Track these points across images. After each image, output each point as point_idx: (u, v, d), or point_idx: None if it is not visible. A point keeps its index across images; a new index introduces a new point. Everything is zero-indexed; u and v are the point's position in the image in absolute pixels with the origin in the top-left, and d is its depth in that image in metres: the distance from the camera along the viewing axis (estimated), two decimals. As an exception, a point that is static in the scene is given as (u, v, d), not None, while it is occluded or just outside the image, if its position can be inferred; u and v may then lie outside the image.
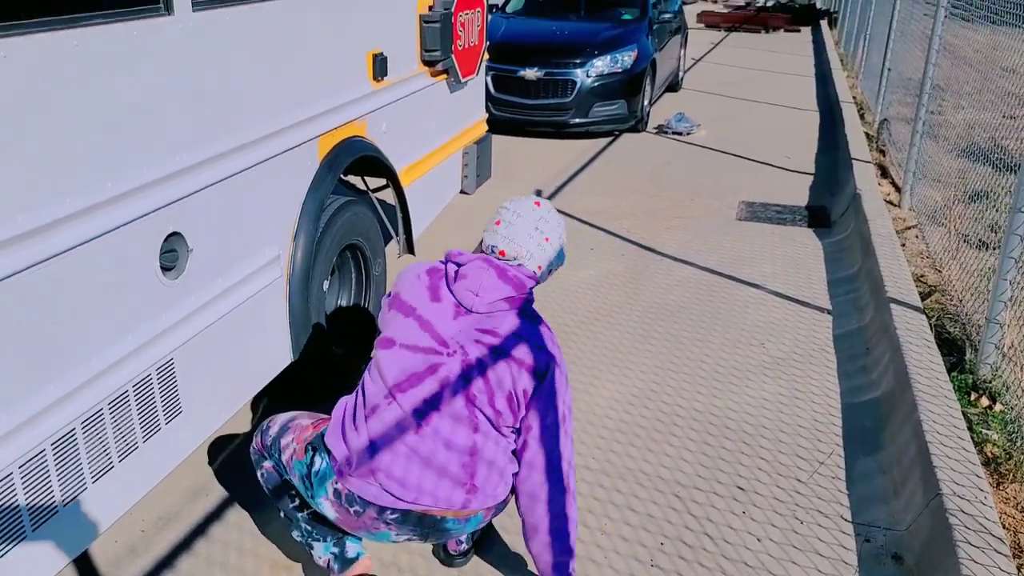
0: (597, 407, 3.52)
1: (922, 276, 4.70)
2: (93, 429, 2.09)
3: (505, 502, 2.23)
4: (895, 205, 6.13)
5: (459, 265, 2.15)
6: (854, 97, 10.38)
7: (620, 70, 8.38)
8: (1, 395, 1.84)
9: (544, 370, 2.08)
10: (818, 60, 15.06)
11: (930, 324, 3.90)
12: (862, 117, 9.13)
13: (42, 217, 1.87)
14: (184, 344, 2.40)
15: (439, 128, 4.22)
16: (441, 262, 2.21)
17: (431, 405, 2.08)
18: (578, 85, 8.25)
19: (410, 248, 3.92)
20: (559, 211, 6.07)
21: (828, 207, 6.38)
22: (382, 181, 3.81)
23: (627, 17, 9.40)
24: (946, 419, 3.07)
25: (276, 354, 2.96)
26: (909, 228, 5.61)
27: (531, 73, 8.24)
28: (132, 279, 2.19)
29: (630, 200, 6.52)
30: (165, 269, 2.32)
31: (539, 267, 2.19)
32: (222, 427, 2.70)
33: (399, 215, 3.82)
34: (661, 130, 8.97)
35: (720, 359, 3.96)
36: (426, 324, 2.11)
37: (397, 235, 3.90)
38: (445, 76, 4.18)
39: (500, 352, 2.07)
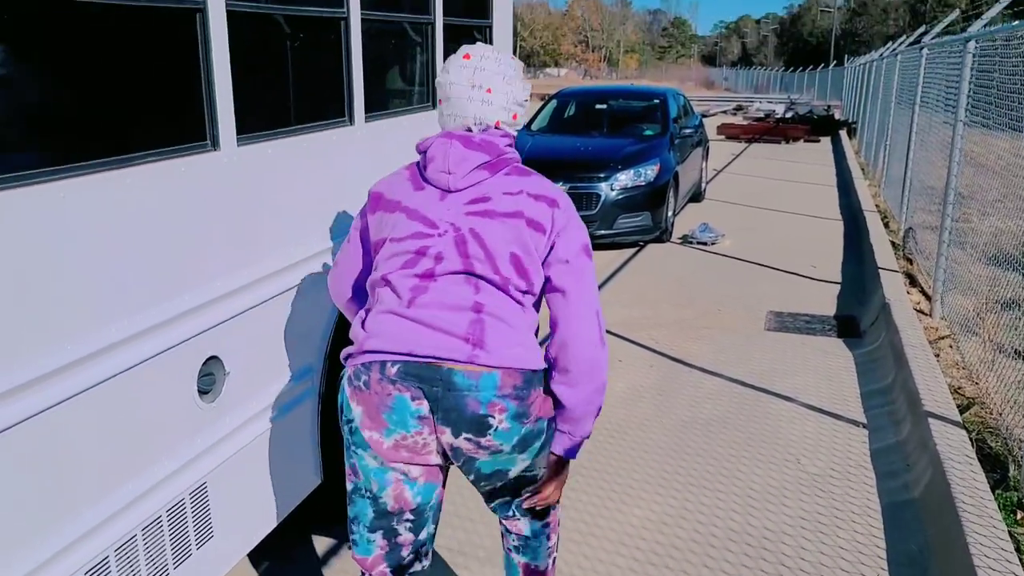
0: (630, 527, 3.45)
1: (959, 388, 4.63)
2: (126, 556, 2.09)
3: (534, 374, 1.97)
4: (926, 314, 6.09)
5: (424, 152, 2.06)
6: (877, 205, 10.49)
7: (643, 183, 8.57)
8: (38, 525, 1.85)
9: (546, 217, 1.98)
10: (839, 169, 15.30)
11: (971, 439, 3.81)
12: (887, 225, 9.20)
13: (88, 346, 1.93)
14: (218, 467, 2.41)
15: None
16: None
17: (425, 278, 1.97)
18: (603, 198, 8.43)
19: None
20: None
21: (857, 317, 6.36)
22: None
23: (649, 133, 9.68)
24: (993, 540, 2.96)
25: (306, 476, 2.96)
26: (942, 338, 5.56)
27: (557, 187, 8.42)
28: (170, 404, 2.22)
29: (657, 311, 6.55)
30: (202, 392, 2.36)
31: (497, 123, 2.06)
32: (252, 551, 2.67)
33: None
34: (686, 240, 9.08)
35: (754, 476, 3.88)
36: (413, 212, 2.02)
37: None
38: (475, 196, 4.31)
39: (494, 216, 1.97)
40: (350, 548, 2.17)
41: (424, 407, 1.92)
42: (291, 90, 2.84)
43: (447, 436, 1.95)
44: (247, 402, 2.57)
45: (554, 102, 10.88)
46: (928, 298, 6.38)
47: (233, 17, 2.35)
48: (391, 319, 1.95)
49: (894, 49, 13.38)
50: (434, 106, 3.86)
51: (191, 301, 2.25)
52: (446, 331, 1.92)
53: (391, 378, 1.92)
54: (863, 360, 5.40)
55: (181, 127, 2.27)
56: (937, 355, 5.08)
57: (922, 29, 11.35)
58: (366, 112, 3.19)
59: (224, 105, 2.34)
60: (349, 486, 2.10)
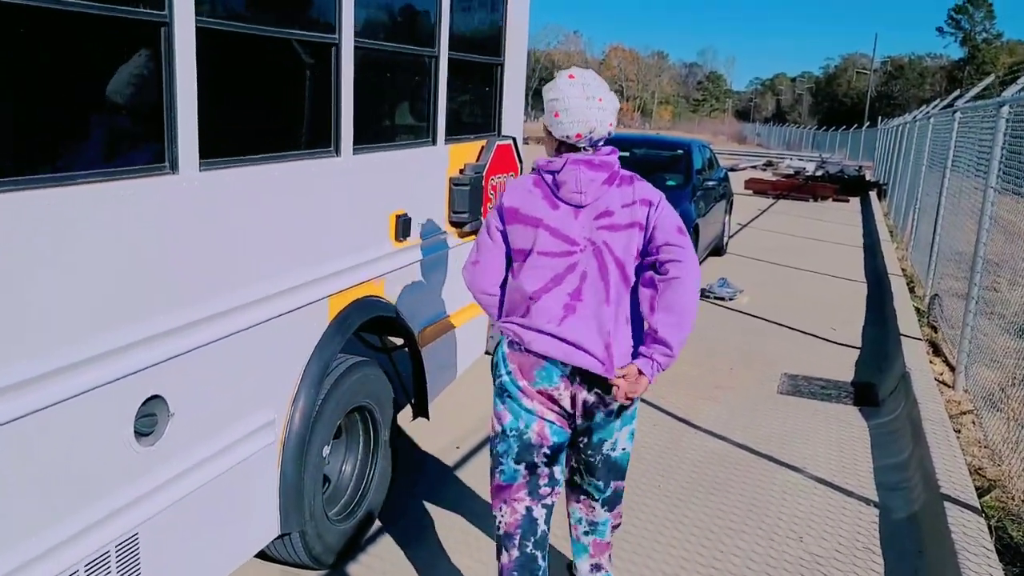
0: (613, 602, 3.18)
1: (980, 468, 4.33)
2: (31, 614, 1.88)
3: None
4: (948, 386, 5.79)
5: (554, 173, 2.47)
6: (903, 269, 10.20)
7: (662, 234, 8.35)
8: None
9: (643, 216, 2.45)
10: (867, 230, 15.02)
11: (989, 527, 3.52)
12: (912, 291, 8.91)
13: (5, 378, 1.75)
14: (153, 517, 2.21)
15: (463, 290, 4.13)
16: (535, 172, 2.52)
17: (574, 298, 2.47)
18: (619, 247, 8.22)
19: (424, 412, 3.74)
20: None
21: (876, 385, 6.06)
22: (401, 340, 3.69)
23: (671, 183, 9.50)
24: (1011, 648, 2.67)
25: (262, 527, 2.74)
26: (964, 413, 5.26)
27: (572, 233, 8.25)
28: (98, 446, 2.03)
29: (667, 366, 6.28)
30: (141, 435, 2.17)
31: (610, 125, 2.48)
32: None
33: (414, 378, 3.67)
34: (703, 294, 8.83)
35: (753, 553, 3.60)
36: (555, 231, 2.46)
37: (411, 398, 3.73)
38: (473, 237, 4.13)
39: (617, 228, 2.45)
40: (494, 480, 2.69)
41: (567, 372, 2.52)
42: (270, 115, 2.69)
43: (584, 393, 2.53)
44: (195, 446, 2.37)
45: (577, 147, 10.76)
46: (952, 369, 6.08)
47: (204, 35, 2.22)
48: (546, 338, 2.49)
49: (927, 112, 13.18)
50: (434, 142, 3.72)
51: (131, 335, 2.08)
52: (588, 352, 2.47)
53: (537, 354, 2.52)
54: (879, 432, 5.11)
55: (136, 146, 2.12)
56: (958, 431, 4.79)
57: (956, 93, 11.15)
58: (355, 144, 3.04)
59: (186, 126, 2.19)
60: (498, 428, 2.63)
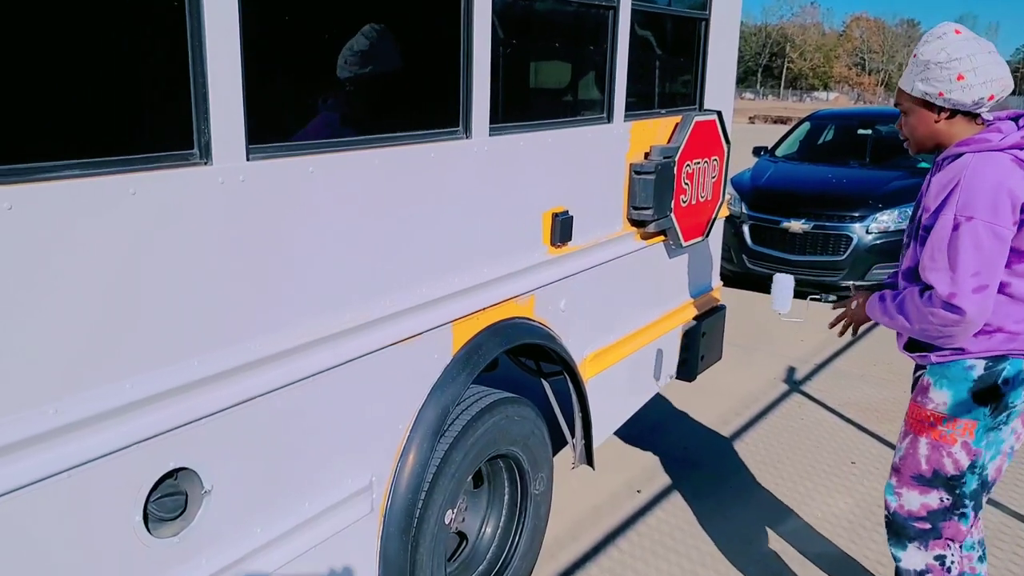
0: None
1: None
2: None
3: None
4: None
5: None
6: None
7: (910, 227, 6.99)
8: None
9: None
10: None
11: None
12: None
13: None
14: (179, 631, 1.65)
15: (647, 303, 3.32)
16: (1004, 152, 2.06)
17: None
18: (854, 242, 6.98)
19: (588, 458, 3.00)
20: (813, 400, 4.87)
21: None
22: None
23: (925, 165, 7.97)
24: None
25: (354, 621, 2.14)
26: None
27: (796, 225, 7.11)
28: (86, 545, 1.48)
29: (913, 394, 5.08)
30: (159, 520, 1.61)
31: None
32: None
33: (577, 415, 2.93)
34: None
35: None
36: None
37: (574, 439, 2.99)
38: (661, 239, 3.31)
39: None
40: (950, 524, 2.28)
41: None
42: (359, 89, 2.04)
43: None
44: (243, 530, 1.78)
45: (807, 125, 9.41)
46: None
47: (252, -28, 1.59)
48: None
49: None
50: (609, 119, 2.94)
51: (140, 390, 1.51)
52: None
53: None
54: None
55: (161, 132, 1.55)
56: None
57: None
58: (492, 122, 2.33)
59: (225, 106, 1.58)
60: (964, 465, 2.23)
